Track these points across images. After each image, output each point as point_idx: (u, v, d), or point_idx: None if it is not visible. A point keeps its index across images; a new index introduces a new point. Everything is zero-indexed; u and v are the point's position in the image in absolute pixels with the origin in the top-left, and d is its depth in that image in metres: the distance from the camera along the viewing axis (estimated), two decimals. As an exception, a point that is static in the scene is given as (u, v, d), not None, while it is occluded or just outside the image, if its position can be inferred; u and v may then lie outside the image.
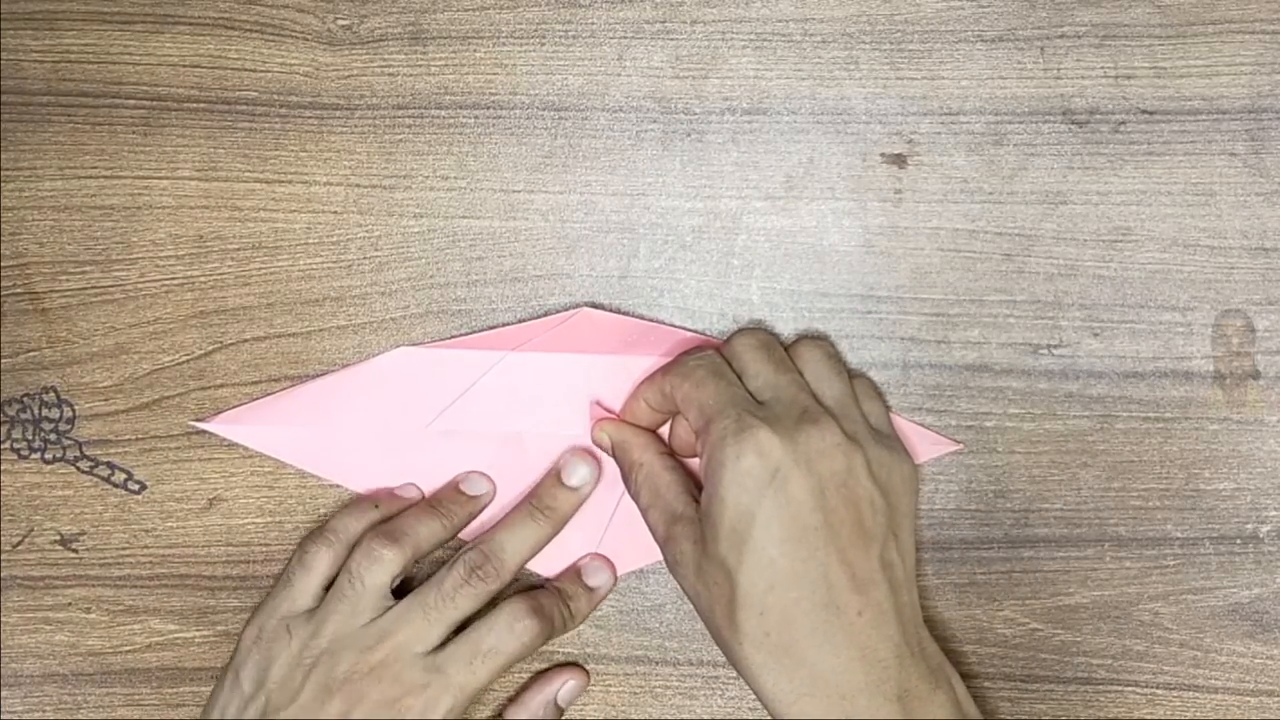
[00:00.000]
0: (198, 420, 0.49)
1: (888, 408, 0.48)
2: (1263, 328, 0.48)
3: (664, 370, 0.46)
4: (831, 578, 0.41)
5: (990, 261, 0.49)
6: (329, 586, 0.46)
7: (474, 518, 0.48)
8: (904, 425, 0.48)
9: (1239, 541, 0.48)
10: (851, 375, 0.47)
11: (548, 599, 0.46)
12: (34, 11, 0.50)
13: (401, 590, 0.46)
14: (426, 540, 0.46)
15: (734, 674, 0.48)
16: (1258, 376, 0.48)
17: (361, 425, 0.49)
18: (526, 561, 0.47)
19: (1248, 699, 0.48)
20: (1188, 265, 0.48)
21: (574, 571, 0.48)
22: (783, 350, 0.46)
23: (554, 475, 0.48)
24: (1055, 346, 0.48)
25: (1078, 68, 0.49)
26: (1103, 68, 0.48)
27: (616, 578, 0.49)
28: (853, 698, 0.40)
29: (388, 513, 0.47)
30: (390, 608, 0.45)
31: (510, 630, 0.45)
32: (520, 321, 0.49)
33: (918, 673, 0.41)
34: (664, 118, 0.49)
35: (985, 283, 0.49)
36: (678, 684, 0.49)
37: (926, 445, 0.48)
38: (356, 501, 0.48)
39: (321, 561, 0.46)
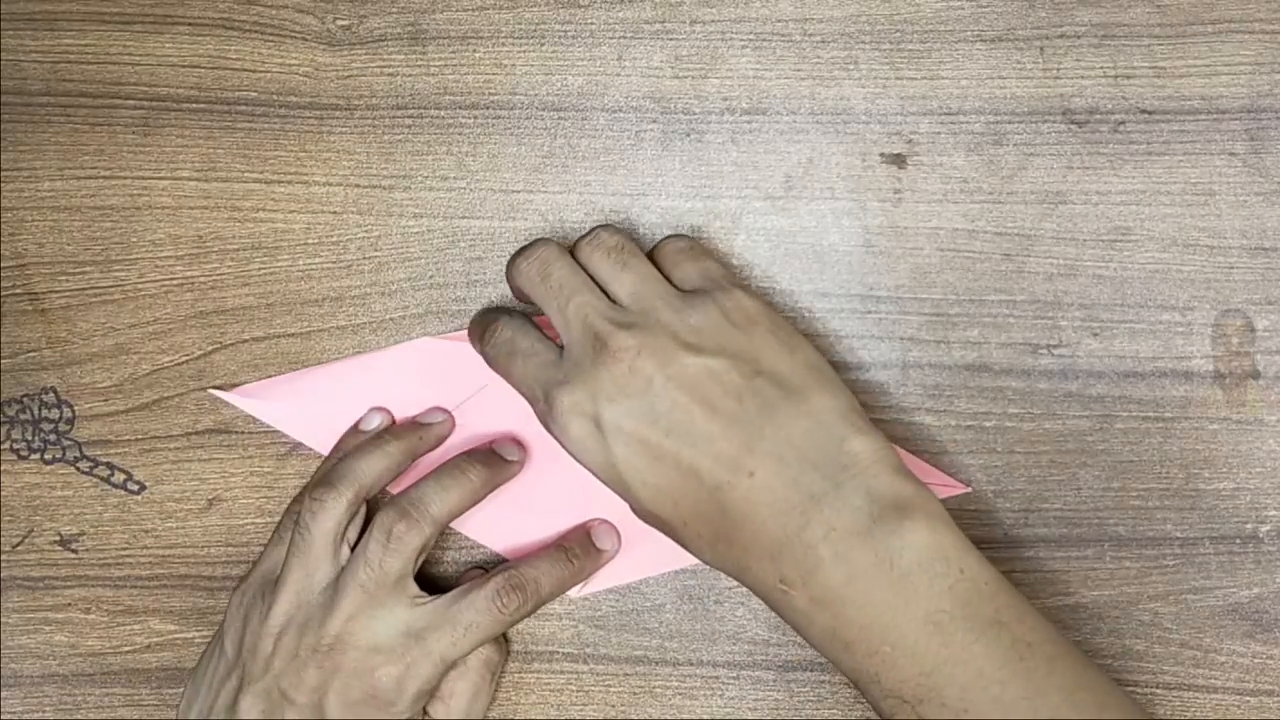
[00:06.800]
0: (216, 388, 0.49)
1: (713, 258, 0.46)
2: (1262, 327, 0.48)
3: (477, 341, 0.46)
4: (703, 467, 0.41)
5: (990, 261, 0.49)
6: None
7: (425, 447, 0.48)
8: (913, 463, 0.48)
9: (1239, 541, 0.48)
10: (665, 240, 0.46)
11: (531, 572, 0.46)
12: (34, 11, 0.50)
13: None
14: (369, 476, 0.46)
15: (734, 674, 0.48)
16: (1258, 376, 0.48)
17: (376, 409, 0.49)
18: (453, 515, 0.46)
19: (1248, 699, 0.48)
20: (1188, 265, 0.48)
21: (583, 532, 0.48)
22: (563, 257, 0.44)
23: (489, 445, 0.48)
24: (1055, 346, 0.48)
25: (1077, 67, 0.49)
26: (1102, 68, 0.48)
27: (620, 547, 0.49)
28: (777, 552, 0.40)
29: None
30: (344, 568, 0.45)
31: (490, 606, 0.44)
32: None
33: (842, 500, 0.40)
34: (664, 118, 0.49)
35: (985, 283, 0.49)
36: (678, 684, 0.49)
37: (933, 488, 0.48)
38: (325, 461, 0.48)
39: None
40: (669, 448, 0.41)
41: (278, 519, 0.49)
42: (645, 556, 0.49)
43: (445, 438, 0.48)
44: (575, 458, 0.43)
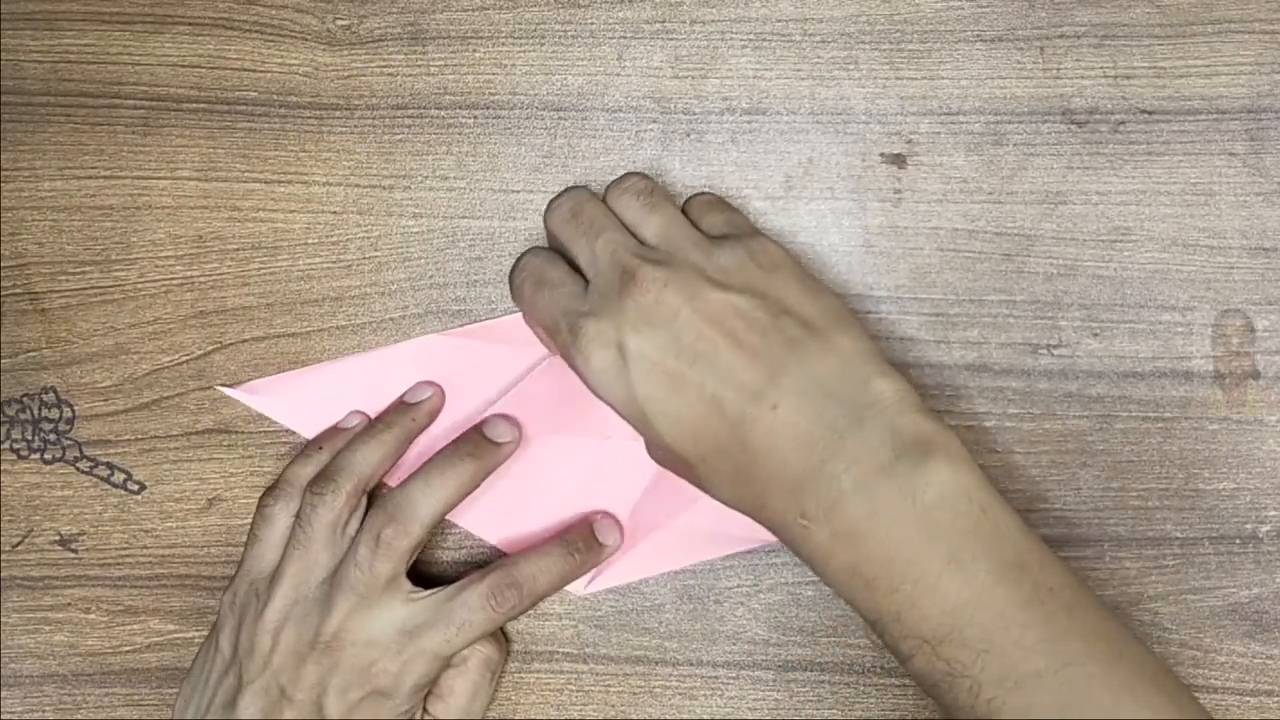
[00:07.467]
0: (224, 385, 0.49)
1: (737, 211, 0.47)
2: (1262, 328, 0.48)
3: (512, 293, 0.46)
4: (726, 399, 0.40)
5: (990, 261, 0.49)
6: None
7: (419, 427, 0.48)
8: None
9: (1239, 541, 0.48)
10: (692, 196, 0.47)
11: (528, 569, 0.46)
12: (34, 11, 0.50)
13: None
14: (368, 467, 0.46)
15: (734, 674, 0.48)
16: (1258, 376, 0.48)
17: (384, 408, 0.49)
18: (443, 513, 0.46)
19: (1248, 699, 0.48)
20: (1188, 265, 0.48)
21: (585, 525, 0.48)
22: (596, 200, 0.45)
23: (477, 428, 0.48)
24: (1055, 346, 0.48)
25: (1077, 68, 0.49)
26: (1102, 68, 0.48)
27: (622, 542, 0.48)
28: (798, 486, 0.40)
29: (334, 450, 0.47)
30: (338, 566, 0.45)
31: (484, 605, 0.45)
32: (520, 321, 0.49)
33: (865, 435, 0.40)
34: (664, 118, 0.49)
35: (985, 283, 0.49)
36: (678, 684, 0.49)
37: None
38: (303, 449, 0.48)
39: (280, 514, 0.46)
40: (692, 378, 0.41)
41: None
42: (645, 556, 0.49)
43: (437, 412, 0.48)
44: (595, 391, 0.42)
